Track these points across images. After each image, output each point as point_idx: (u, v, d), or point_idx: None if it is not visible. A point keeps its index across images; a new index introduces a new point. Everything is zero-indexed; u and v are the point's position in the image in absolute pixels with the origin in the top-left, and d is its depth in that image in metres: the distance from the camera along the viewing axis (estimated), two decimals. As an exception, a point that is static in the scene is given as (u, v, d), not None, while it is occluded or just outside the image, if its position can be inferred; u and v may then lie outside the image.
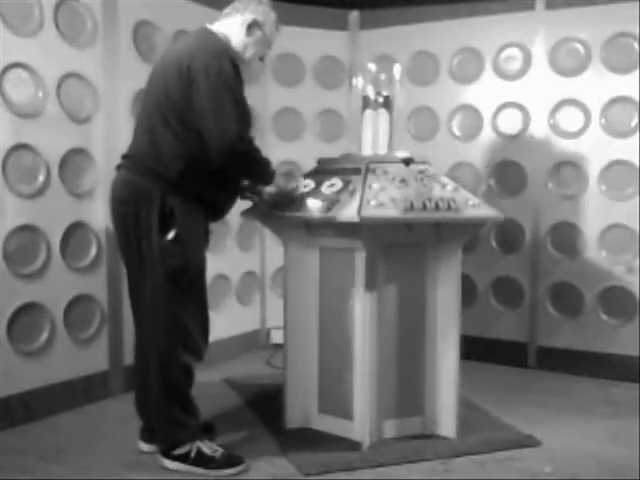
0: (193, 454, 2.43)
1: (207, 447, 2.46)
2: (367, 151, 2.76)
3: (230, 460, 2.45)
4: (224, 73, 2.28)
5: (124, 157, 2.47)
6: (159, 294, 2.38)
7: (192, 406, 2.50)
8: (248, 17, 2.46)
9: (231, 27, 2.46)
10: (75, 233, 3.03)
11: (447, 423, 2.71)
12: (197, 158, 2.34)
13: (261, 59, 2.58)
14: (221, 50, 2.36)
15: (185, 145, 2.33)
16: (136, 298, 2.50)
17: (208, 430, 2.65)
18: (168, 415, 2.44)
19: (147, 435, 2.58)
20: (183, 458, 2.43)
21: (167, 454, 2.46)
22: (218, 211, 2.52)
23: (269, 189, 2.55)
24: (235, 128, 2.28)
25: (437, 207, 2.52)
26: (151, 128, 2.37)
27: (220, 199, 2.49)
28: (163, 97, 2.34)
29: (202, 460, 2.43)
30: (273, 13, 2.54)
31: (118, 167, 2.49)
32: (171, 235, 2.34)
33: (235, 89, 2.32)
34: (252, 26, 2.46)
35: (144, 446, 2.58)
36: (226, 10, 2.52)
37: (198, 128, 2.30)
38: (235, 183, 2.54)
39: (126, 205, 2.38)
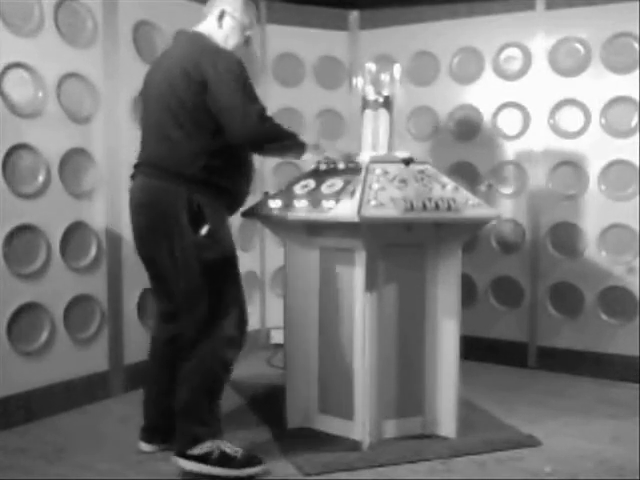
0: (216, 454, 2.38)
1: (228, 447, 2.42)
2: (367, 151, 2.76)
3: (251, 460, 2.42)
4: (233, 68, 2.37)
5: (139, 164, 2.50)
6: (195, 291, 2.40)
7: (218, 407, 2.48)
8: (216, 11, 2.53)
9: (209, 26, 2.53)
10: (75, 233, 3.03)
11: (447, 423, 2.71)
12: (214, 154, 2.40)
13: (246, 43, 2.61)
14: (221, 49, 2.46)
15: (201, 143, 2.39)
16: (169, 299, 2.51)
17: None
18: (194, 412, 2.43)
19: (148, 435, 2.59)
20: (203, 459, 2.38)
21: (184, 454, 2.40)
22: (237, 203, 2.58)
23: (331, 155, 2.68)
24: (254, 109, 2.37)
25: (437, 207, 2.52)
26: (164, 132, 2.40)
27: (239, 190, 2.54)
28: (173, 101, 2.37)
29: (225, 460, 2.38)
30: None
31: (133, 175, 2.52)
32: (204, 230, 2.38)
33: (246, 78, 2.40)
34: (221, 17, 2.52)
35: (145, 446, 2.58)
36: (203, 13, 2.59)
37: (211, 126, 2.37)
38: (249, 174, 2.58)
39: (153, 208, 2.40)
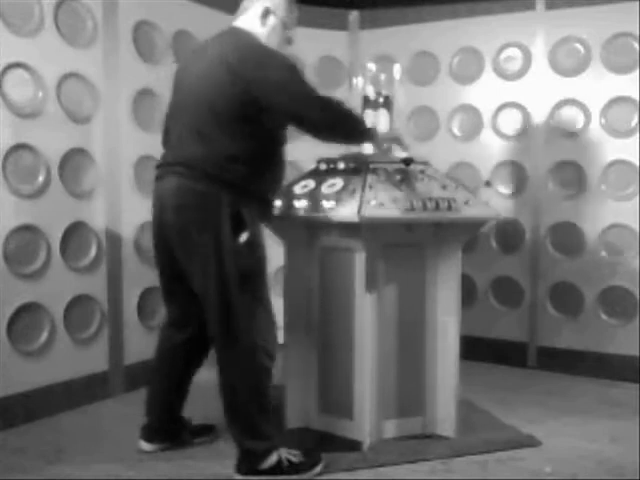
0: (285, 463, 2.34)
1: (289, 454, 2.38)
2: (367, 151, 2.76)
3: (313, 459, 2.41)
4: (287, 63, 2.30)
5: (169, 164, 2.35)
6: (230, 299, 2.27)
7: (271, 415, 2.40)
8: (259, 8, 2.41)
9: (250, 22, 2.41)
10: (75, 233, 3.03)
11: (447, 423, 2.71)
12: (252, 159, 2.30)
13: (288, 42, 2.52)
14: (270, 48, 2.36)
15: (241, 147, 2.27)
16: (180, 304, 2.49)
17: (208, 431, 2.67)
18: (256, 428, 2.33)
19: (149, 434, 2.58)
20: (276, 470, 2.33)
21: (254, 471, 2.33)
22: (269, 209, 2.48)
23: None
24: (326, 98, 2.35)
25: (437, 207, 2.52)
26: (205, 133, 2.27)
27: (271, 197, 2.46)
28: (216, 100, 2.25)
29: (294, 466, 2.36)
30: None
31: (160, 175, 2.37)
32: (244, 238, 2.28)
33: (300, 71, 2.35)
34: (265, 15, 2.41)
35: (145, 445, 2.58)
36: (241, 7, 2.47)
37: (250, 129, 2.27)
38: (281, 182, 2.51)
39: (188, 213, 2.27)
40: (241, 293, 2.28)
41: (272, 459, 2.32)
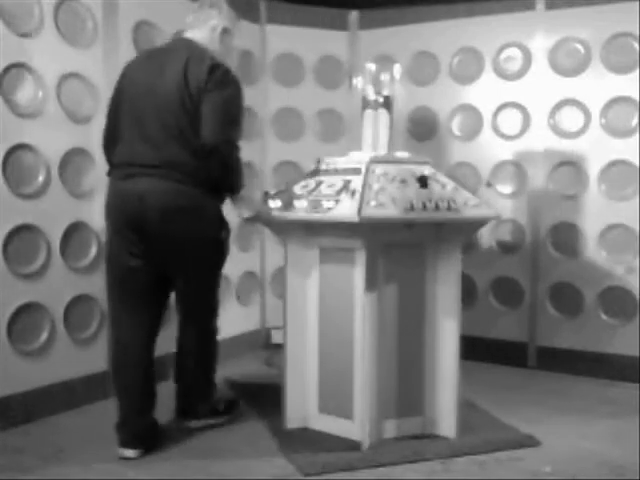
0: (222, 407, 2.87)
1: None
2: (367, 151, 2.76)
3: (230, 404, 2.94)
4: (236, 87, 2.50)
5: (148, 165, 2.46)
6: (211, 285, 2.72)
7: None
8: (218, 27, 2.64)
9: (203, 36, 2.62)
10: (75, 233, 3.03)
11: (447, 423, 2.71)
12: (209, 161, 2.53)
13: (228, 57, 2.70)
14: (223, 64, 2.52)
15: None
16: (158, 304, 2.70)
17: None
18: (210, 381, 2.82)
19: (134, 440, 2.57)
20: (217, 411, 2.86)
21: (207, 414, 2.81)
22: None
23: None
24: (232, 135, 2.51)
25: (437, 207, 2.52)
26: (186, 136, 2.45)
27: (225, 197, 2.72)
28: (190, 107, 2.44)
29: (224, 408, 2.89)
30: (233, 13, 2.72)
31: (131, 175, 2.49)
32: (225, 233, 2.66)
33: (242, 103, 2.54)
34: (223, 34, 2.65)
35: (129, 452, 2.54)
36: (190, 19, 2.67)
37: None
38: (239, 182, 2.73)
39: (184, 215, 2.49)
40: (217, 276, 2.74)
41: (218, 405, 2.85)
